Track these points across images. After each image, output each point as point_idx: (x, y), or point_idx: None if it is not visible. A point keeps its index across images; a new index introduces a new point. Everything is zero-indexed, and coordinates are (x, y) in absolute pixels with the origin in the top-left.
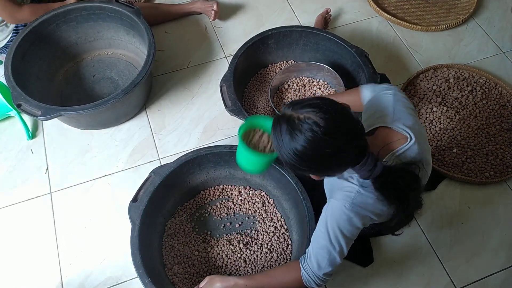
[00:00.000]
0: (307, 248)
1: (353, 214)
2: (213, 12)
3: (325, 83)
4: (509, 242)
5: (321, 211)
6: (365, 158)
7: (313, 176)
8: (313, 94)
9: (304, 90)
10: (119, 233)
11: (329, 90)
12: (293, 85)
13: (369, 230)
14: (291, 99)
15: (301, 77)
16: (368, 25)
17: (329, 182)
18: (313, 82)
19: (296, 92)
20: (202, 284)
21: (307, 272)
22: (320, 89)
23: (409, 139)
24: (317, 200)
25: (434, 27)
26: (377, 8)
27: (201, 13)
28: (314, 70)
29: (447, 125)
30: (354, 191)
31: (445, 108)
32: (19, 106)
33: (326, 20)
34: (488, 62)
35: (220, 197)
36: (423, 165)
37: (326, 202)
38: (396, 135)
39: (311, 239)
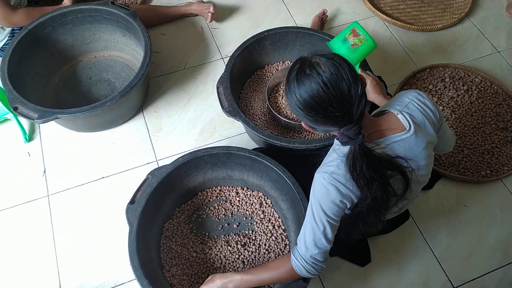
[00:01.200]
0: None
1: (331, 187)
2: (209, 14)
3: None
4: (505, 241)
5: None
6: (351, 125)
7: (305, 126)
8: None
9: None
10: (117, 235)
11: None
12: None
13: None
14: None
15: None
16: (364, 25)
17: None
18: None
19: None
20: (205, 283)
21: (296, 257)
22: None
23: (407, 130)
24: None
25: (429, 27)
26: (373, 8)
27: (197, 15)
28: None
29: None
30: (335, 164)
31: (441, 107)
32: (15, 109)
33: (322, 21)
34: (484, 61)
35: (218, 198)
36: (411, 167)
37: None
38: (398, 123)
39: (302, 228)
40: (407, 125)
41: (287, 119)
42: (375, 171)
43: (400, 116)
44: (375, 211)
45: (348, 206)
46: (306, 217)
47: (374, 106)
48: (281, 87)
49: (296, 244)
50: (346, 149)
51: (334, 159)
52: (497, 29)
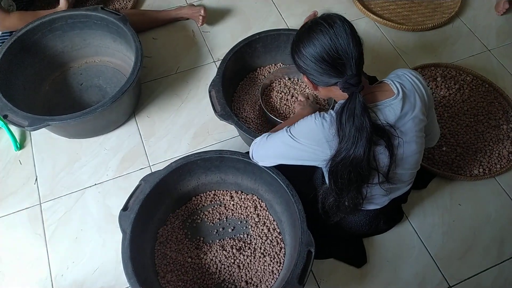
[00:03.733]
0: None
1: (315, 122)
2: (200, 17)
3: None
4: (500, 238)
5: (312, 214)
6: (353, 74)
7: (308, 83)
8: (299, 94)
9: (289, 90)
10: (111, 242)
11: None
12: (280, 85)
13: (362, 230)
14: (279, 98)
15: (289, 78)
16: (355, 26)
17: None
18: (300, 82)
19: (282, 94)
20: None
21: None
22: (307, 89)
23: (395, 95)
24: (308, 200)
25: (420, 27)
26: (364, 9)
27: (188, 19)
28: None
29: None
30: (331, 115)
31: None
32: (5, 117)
33: None
34: (474, 60)
35: (212, 202)
36: (395, 131)
37: (316, 202)
38: (390, 91)
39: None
40: (395, 90)
41: (279, 118)
42: (363, 127)
43: (391, 84)
44: (355, 171)
45: (324, 156)
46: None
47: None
48: (274, 86)
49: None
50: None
51: (330, 111)
52: (487, 27)
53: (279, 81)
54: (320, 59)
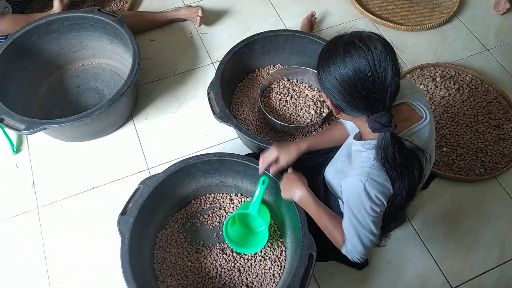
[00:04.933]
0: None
1: (370, 188)
2: (198, 18)
3: (312, 85)
4: (501, 239)
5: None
6: (384, 112)
7: (331, 108)
8: (298, 95)
9: (288, 92)
10: (109, 247)
11: (316, 92)
12: (279, 87)
13: None
14: (278, 99)
15: (288, 79)
16: (353, 27)
17: (332, 169)
18: (299, 83)
19: (281, 95)
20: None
21: (347, 249)
22: (306, 90)
23: (424, 117)
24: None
25: (419, 27)
26: (362, 9)
27: (186, 20)
28: (300, 73)
29: (436, 124)
30: (369, 165)
31: (433, 107)
32: (1, 120)
33: (311, 23)
34: (473, 59)
35: (212, 205)
36: (425, 155)
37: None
38: (414, 112)
39: (344, 228)
40: (423, 113)
41: (278, 120)
42: (406, 159)
43: (414, 104)
44: (407, 202)
45: (385, 203)
46: (346, 223)
47: None
48: (273, 88)
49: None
50: (371, 147)
51: (366, 159)
52: (486, 27)
53: (278, 83)
54: (352, 86)
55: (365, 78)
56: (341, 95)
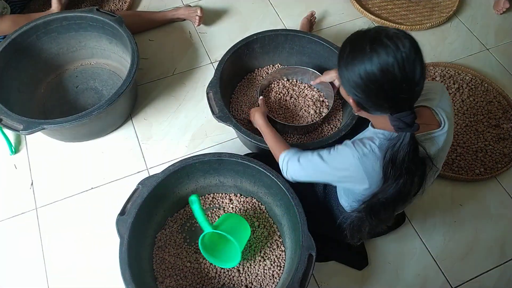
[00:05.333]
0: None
1: (356, 166)
2: (197, 17)
3: (312, 86)
4: (502, 239)
5: (313, 217)
6: (409, 111)
7: (353, 106)
8: (298, 95)
9: (288, 91)
10: (108, 247)
11: (315, 92)
12: (278, 86)
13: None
14: (277, 99)
15: (287, 79)
16: (353, 26)
17: None
18: (298, 83)
19: (281, 95)
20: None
21: (283, 160)
22: (306, 90)
23: (442, 126)
24: (308, 203)
25: (418, 26)
26: (361, 9)
27: (185, 20)
28: (299, 73)
29: None
30: (371, 149)
31: None
32: (0, 120)
33: (311, 22)
34: (473, 59)
35: (211, 205)
36: (432, 164)
37: (317, 207)
38: (434, 119)
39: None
40: (442, 122)
41: (278, 119)
42: (413, 164)
43: (436, 111)
44: (394, 205)
45: (360, 190)
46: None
47: None
48: (273, 87)
49: (294, 153)
50: (384, 140)
51: (371, 143)
52: (485, 26)
53: (277, 82)
54: (378, 86)
55: (393, 77)
56: (364, 93)
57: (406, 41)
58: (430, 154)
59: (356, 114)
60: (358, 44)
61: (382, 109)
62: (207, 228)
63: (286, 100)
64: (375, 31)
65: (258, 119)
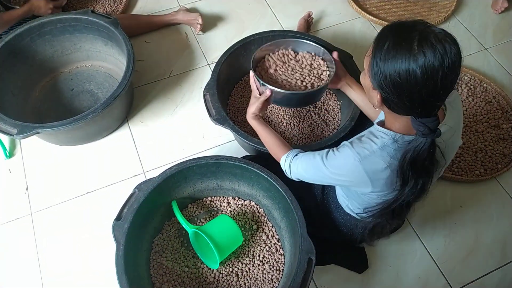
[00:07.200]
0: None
1: (357, 169)
2: (198, 26)
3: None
4: (503, 240)
5: (312, 219)
6: (435, 117)
7: (378, 101)
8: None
9: (288, 62)
10: (104, 253)
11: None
12: (274, 58)
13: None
14: (274, 67)
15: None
16: (350, 26)
17: None
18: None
19: (279, 67)
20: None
21: (286, 162)
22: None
23: (443, 122)
24: (307, 205)
25: None
26: (359, 9)
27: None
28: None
29: None
30: (371, 150)
31: None
32: None
33: (308, 23)
34: (472, 59)
35: (209, 209)
36: (444, 157)
37: (316, 210)
38: (442, 113)
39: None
40: (448, 120)
41: (283, 89)
42: (432, 165)
43: (443, 107)
44: (414, 203)
45: (365, 192)
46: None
47: None
48: (269, 58)
49: (296, 155)
50: (389, 141)
51: (372, 143)
52: (483, 26)
53: (272, 55)
54: (415, 87)
55: (435, 82)
56: (397, 92)
57: (453, 46)
58: (443, 150)
59: (376, 108)
60: (404, 38)
61: (410, 111)
62: (189, 229)
63: (284, 69)
64: (424, 28)
65: (251, 120)
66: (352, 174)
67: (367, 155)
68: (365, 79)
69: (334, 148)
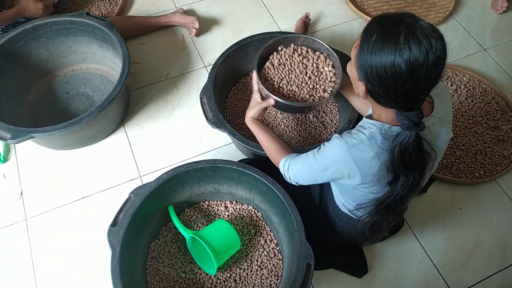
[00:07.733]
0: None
1: (346, 158)
2: (194, 30)
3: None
4: (503, 243)
5: (310, 222)
6: (419, 110)
7: (363, 92)
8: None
9: (291, 59)
10: (100, 259)
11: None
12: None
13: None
14: (278, 75)
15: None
16: (348, 27)
17: None
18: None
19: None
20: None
21: (284, 166)
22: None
23: (432, 114)
24: (305, 208)
25: None
26: (357, 10)
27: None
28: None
29: None
30: (359, 139)
31: None
32: None
33: (306, 24)
34: (470, 59)
35: (206, 213)
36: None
37: (314, 213)
38: (427, 105)
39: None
40: (436, 112)
41: (284, 99)
42: (421, 158)
43: (430, 100)
44: (408, 197)
45: (354, 185)
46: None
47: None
48: (275, 56)
49: (293, 159)
50: (377, 131)
51: (360, 134)
52: (482, 26)
53: (277, 53)
54: (400, 80)
55: (418, 76)
56: (382, 85)
57: (439, 41)
58: (431, 143)
59: (361, 98)
60: (392, 31)
61: (394, 104)
62: (186, 234)
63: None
64: (411, 21)
65: (250, 124)
66: (341, 163)
67: (355, 144)
68: (351, 69)
69: (325, 142)
